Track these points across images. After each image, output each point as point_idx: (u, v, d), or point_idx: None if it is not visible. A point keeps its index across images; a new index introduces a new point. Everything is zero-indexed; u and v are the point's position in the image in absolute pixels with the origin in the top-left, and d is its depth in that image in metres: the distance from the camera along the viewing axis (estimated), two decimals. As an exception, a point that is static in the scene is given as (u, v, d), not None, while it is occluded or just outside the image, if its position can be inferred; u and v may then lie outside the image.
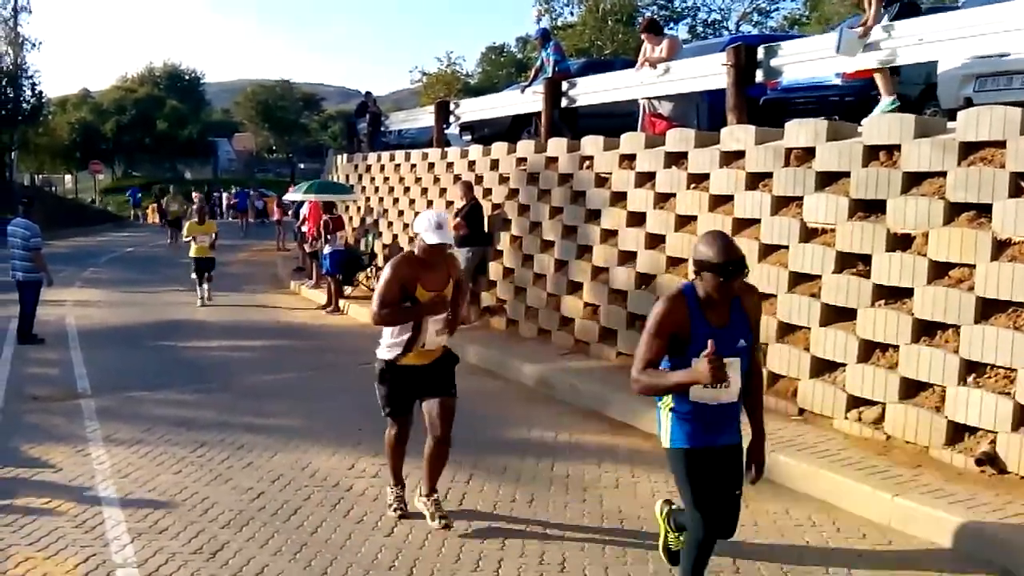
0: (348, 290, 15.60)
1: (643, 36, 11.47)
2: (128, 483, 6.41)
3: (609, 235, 10.32)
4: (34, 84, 43.90)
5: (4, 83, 41.77)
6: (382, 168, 17.64)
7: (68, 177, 64.68)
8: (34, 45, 43.63)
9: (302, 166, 70.60)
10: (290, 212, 23.58)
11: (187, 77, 78.69)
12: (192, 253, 16.18)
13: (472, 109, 15.82)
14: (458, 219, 12.32)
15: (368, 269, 16.30)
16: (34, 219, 12.45)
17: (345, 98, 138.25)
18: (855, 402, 7.00)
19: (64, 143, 60.13)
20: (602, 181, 10.63)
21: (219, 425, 7.94)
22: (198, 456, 7.05)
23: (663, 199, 9.59)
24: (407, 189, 16.15)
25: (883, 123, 7.36)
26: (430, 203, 14.94)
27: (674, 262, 9.20)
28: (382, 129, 20.29)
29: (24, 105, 43.20)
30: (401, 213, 16.17)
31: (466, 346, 10.90)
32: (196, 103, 76.80)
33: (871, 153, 7.32)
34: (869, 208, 7.25)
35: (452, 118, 16.03)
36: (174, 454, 7.10)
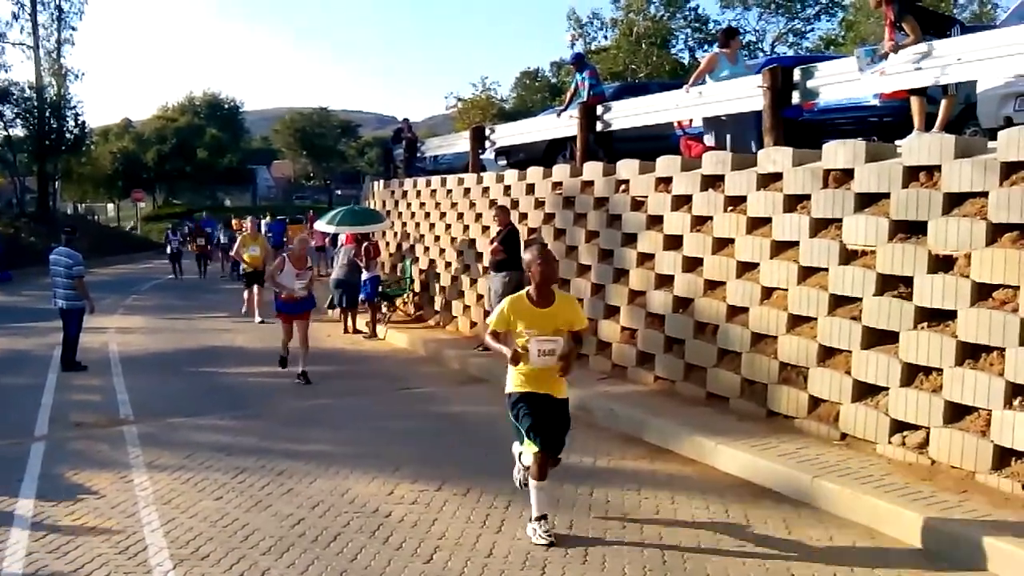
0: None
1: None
2: (170, 509, 6.47)
3: (646, 258, 10.29)
4: (77, 114, 44.85)
5: (48, 114, 42.68)
6: (418, 194, 17.76)
7: (110, 206, 66.00)
8: (77, 76, 44.70)
9: (339, 192, 71.34)
10: (327, 239, 23.77)
11: (226, 106, 80.00)
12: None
13: (507, 134, 15.89)
14: (495, 244, 12.36)
15: (405, 295, 16.38)
16: (77, 248, 12.68)
17: (381, 124, 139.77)
18: (898, 426, 6.89)
19: (106, 172, 61.31)
20: (638, 204, 10.62)
21: (258, 451, 7.99)
22: (238, 482, 7.10)
23: (700, 222, 9.54)
24: (443, 215, 16.24)
25: (923, 143, 7.28)
26: (466, 228, 15.01)
27: (712, 285, 9.15)
28: (418, 155, 20.45)
29: (67, 135, 44.10)
30: (437, 239, 16.25)
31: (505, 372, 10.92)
32: (235, 131, 78.03)
33: (911, 174, 7.24)
34: (910, 229, 7.16)
35: (487, 143, 16.11)
36: (215, 480, 7.16)
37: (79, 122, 45.05)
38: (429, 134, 31.87)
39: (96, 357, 13.07)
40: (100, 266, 30.95)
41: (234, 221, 35.50)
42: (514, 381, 5.88)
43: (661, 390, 9.42)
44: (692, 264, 9.52)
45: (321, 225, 17.63)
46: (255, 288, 17.33)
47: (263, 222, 24.70)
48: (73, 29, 44.15)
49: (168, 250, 30.33)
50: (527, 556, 5.48)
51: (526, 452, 5.90)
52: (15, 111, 42.57)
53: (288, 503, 6.54)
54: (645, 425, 8.25)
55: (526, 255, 5.97)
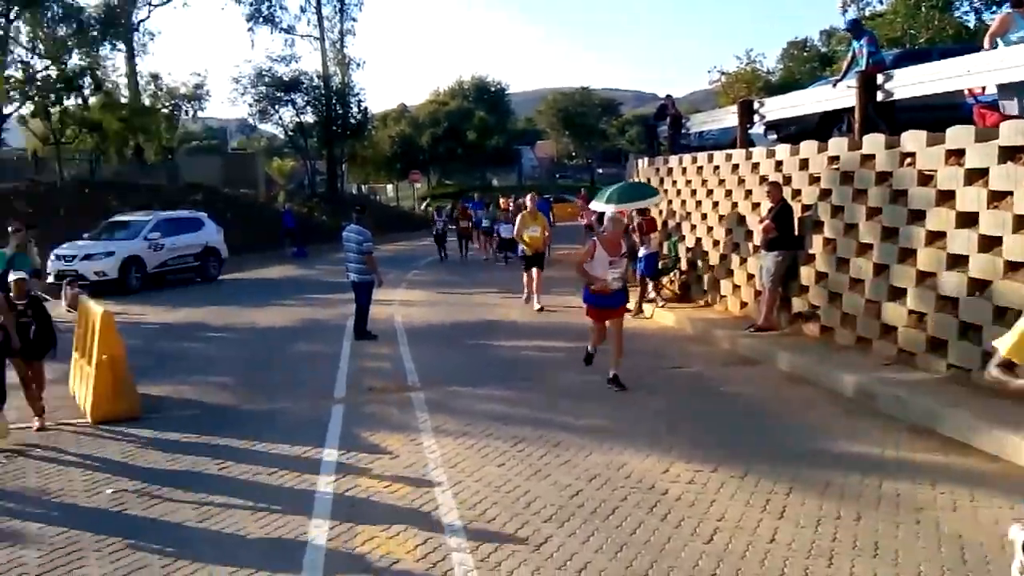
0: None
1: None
2: (456, 472, 6.88)
3: (935, 237, 9.57)
4: (360, 101, 48.41)
5: (334, 101, 46.22)
6: (684, 171, 17.54)
7: (389, 186, 70.53)
8: (359, 65, 48.33)
9: (600, 171, 72.09)
10: (593, 218, 24.06)
11: (493, 89, 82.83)
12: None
13: (778, 107, 15.28)
14: (766, 221, 11.99)
15: (672, 273, 16.28)
16: (365, 225, 13.67)
17: (640, 102, 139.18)
18: None
19: (385, 155, 65.53)
20: (926, 179, 9.88)
21: (535, 422, 8.29)
22: (518, 451, 7.41)
23: (997, 197, 8.74)
24: (710, 192, 15.94)
25: None
26: (734, 205, 14.65)
27: (1013, 266, 8.36)
28: (682, 131, 20.17)
29: (351, 121, 47.60)
30: (704, 216, 16.00)
31: (777, 352, 10.62)
32: (501, 113, 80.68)
33: None
34: None
35: (756, 117, 15.60)
36: (496, 447, 7.52)
37: (361, 108, 48.61)
38: (691, 110, 31.29)
39: (384, 327, 14.07)
40: (382, 243, 33.13)
41: (502, 200, 36.56)
42: None
43: (954, 378, 8.76)
44: (990, 243, 8.74)
45: (597, 204, 17.40)
46: (534, 272, 16.30)
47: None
48: (354, 20, 48.16)
49: (434, 231, 30.07)
50: (812, 545, 5.31)
51: None
52: (305, 99, 46.52)
53: (566, 474, 6.74)
54: (938, 415, 7.71)
55: None
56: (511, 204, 32.88)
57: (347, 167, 54.22)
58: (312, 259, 30.92)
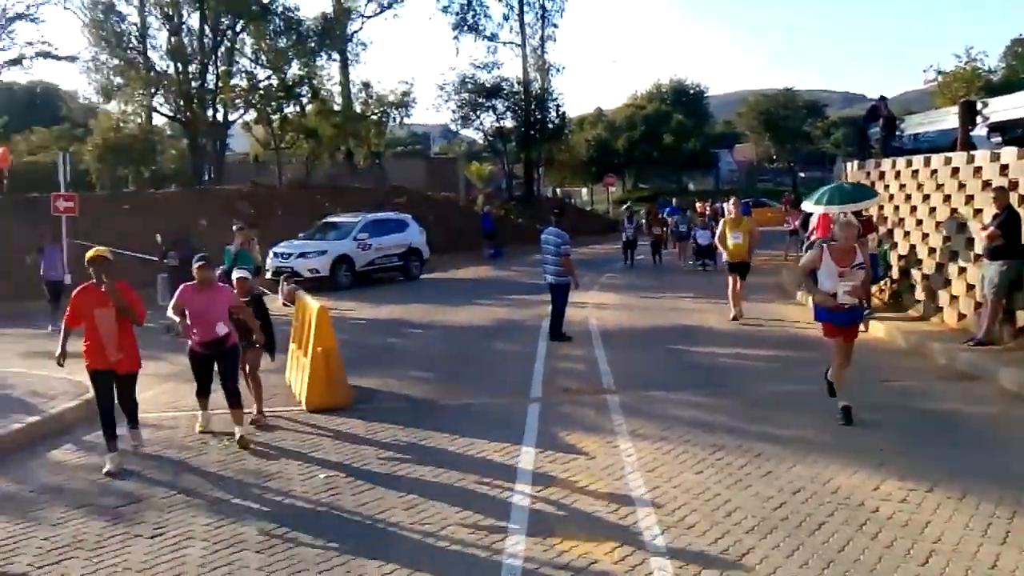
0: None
1: None
2: (654, 478, 6.83)
3: None
4: (558, 106, 48.85)
5: (533, 106, 46.99)
6: (897, 175, 16.64)
7: (584, 190, 70.89)
8: (558, 70, 48.68)
9: (803, 175, 69.44)
10: (797, 222, 23.25)
11: (691, 91, 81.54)
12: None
13: (1004, 108, 14.29)
14: (991, 228, 11.20)
15: (882, 281, 15.46)
16: (564, 228, 13.80)
17: (847, 103, 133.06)
18: None
19: (581, 158, 65.88)
20: None
21: (733, 430, 8.11)
22: (716, 459, 7.27)
23: None
24: (926, 197, 15.04)
25: None
26: (953, 211, 13.75)
27: None
28: (896, 134, 19.16)
29: (549, 125, 48.22)
30: (919, 223, 15.10)
31: (999, 368, 9.90)
32: (699, 116, 79.29)
33: None
34: None
35: (979, 119, 14.62)
36: (694, 455, 7.41)
37: (559, 113, 49.03)
38: (902, 111, 29.62)
39: (578, 329, 14.16)
40: (576, 245, 33.35)
41: (698, 204, 35.93)
42: None
43: None
44: None
45: (808, 205, 16.19)
46: (735, 279, 15.24)
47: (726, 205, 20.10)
48: (555, 27, 48.32)
49: (623, 237, 28.10)
50: (1043, 576, 4.92)
51: None
52: (505, 104, 47.47)
53: (768, 485, 6.56)
54: None
55: None
56: (707, 208, 32.20)
57: (543, 170, 54.90)
58: (508, 260, 31.55)
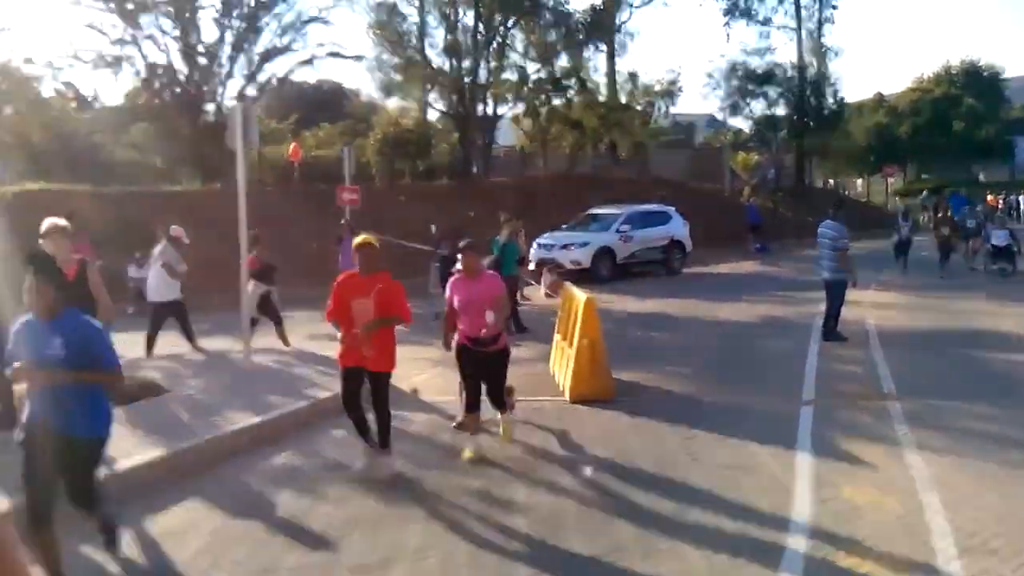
0: None
1: None
2: (949, 493, 6.21)
3: None
4: (835, 91, 46.39)
5: (808, 92, 44.88)
6: None
7: (859, 180, 66.80)
8: (836, 54, 46.10)
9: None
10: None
11: (985, 73, 74.63)
12: None
13: None
14: None
15: None
16: (842, 221, 12.98)
17: None
18: None
19: (858, 147, 62.17)
20: None
21: (1039, 448, 7.23)
22: (1020, 478, 6.50)
23: None
24: None
25: None
26: None
27: None
28: None
29: (825, 112, 45.89)
30: None
31: None
32: (994, 100, 72.42)
33: None
34: None
35: None
36: (992, 473, 6.69)
37: (837, 99, 46.59)
38: None
39: (853, 329, 13.26)
40: (855, 240, 31.44)
41: (989, 197, 32.85)
42: None
43: None
44: None
45: None
46: None
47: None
48: (834, 8, 45.77)
49: (896, 238, 24.11)
50: None
51: None
52: (778, 91, 45.69)
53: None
54: None
55: None
56: (999, 202, 29.25)
57: (815, 160, 52.29)
58: (775, 255, 30.28)
